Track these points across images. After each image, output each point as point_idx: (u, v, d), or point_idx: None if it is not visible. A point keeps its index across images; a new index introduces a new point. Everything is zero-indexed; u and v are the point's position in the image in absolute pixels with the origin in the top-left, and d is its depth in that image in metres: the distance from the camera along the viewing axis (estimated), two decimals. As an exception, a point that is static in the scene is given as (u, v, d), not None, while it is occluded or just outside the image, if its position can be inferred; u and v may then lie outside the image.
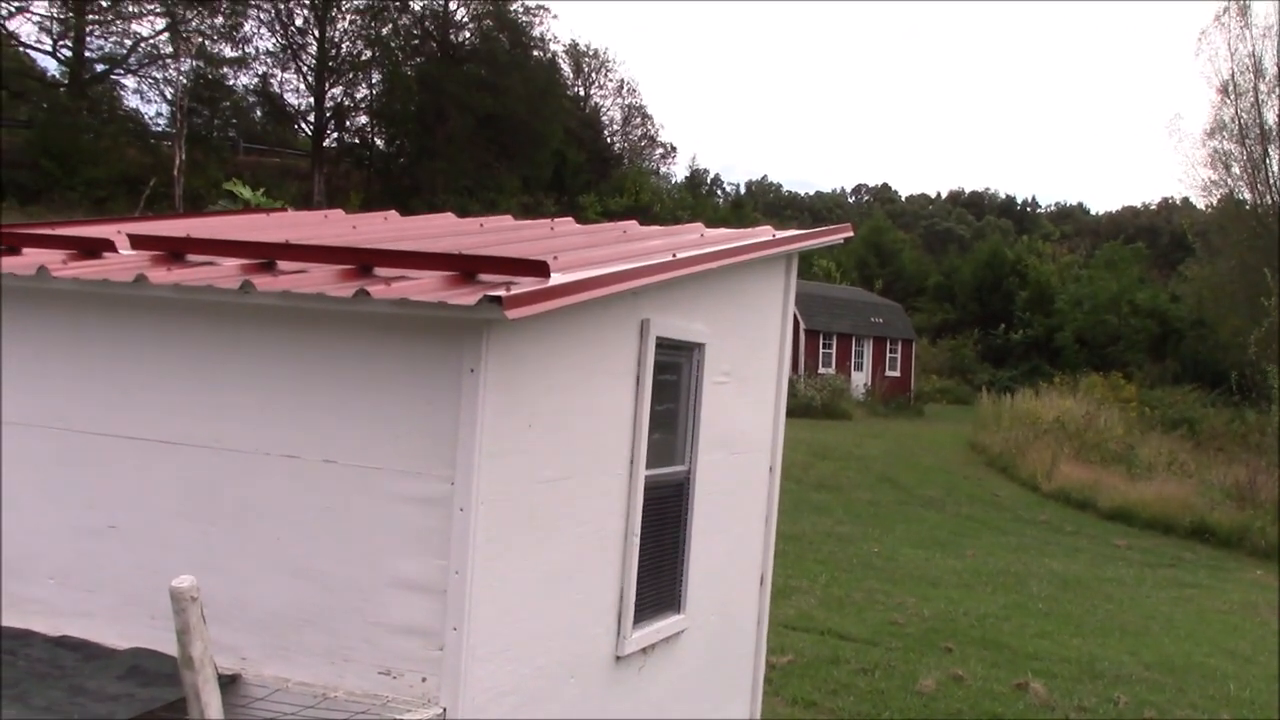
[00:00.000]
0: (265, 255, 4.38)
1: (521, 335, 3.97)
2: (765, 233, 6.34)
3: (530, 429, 4.08)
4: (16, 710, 3.48)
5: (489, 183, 52.20)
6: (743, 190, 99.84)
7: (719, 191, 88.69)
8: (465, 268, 4.02)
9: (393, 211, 7.23)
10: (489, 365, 3.80)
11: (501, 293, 3.53)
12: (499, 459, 3.89)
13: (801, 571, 15.69)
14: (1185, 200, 64.44)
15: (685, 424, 5.42)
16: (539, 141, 55.39)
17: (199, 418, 4.15)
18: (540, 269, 3.94)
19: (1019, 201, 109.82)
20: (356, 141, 56.60)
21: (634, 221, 6.67)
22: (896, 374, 49.58)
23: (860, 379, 46.91)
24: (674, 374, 5.28)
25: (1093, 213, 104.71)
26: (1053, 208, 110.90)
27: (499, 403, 3.86)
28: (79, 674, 3.85)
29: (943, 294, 67.49)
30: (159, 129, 48.84)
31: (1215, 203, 50.63)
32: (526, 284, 3.80)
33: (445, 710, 3.77)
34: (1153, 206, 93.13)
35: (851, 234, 7.13)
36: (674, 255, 4.88)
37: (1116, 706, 10.90)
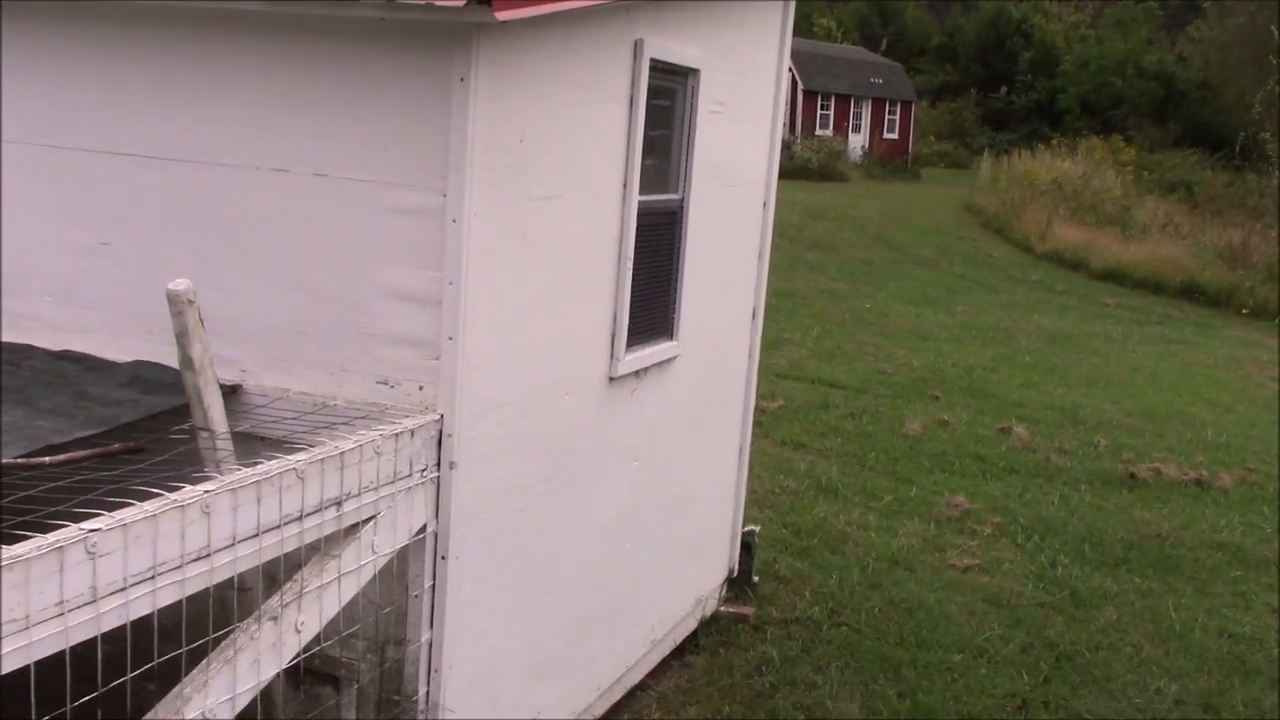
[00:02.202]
0: (246, -36, 4.23)
1: (512, 46, 3.88)
2: (763, -43, 6.12)
3: (522, 143, 4.03)
4: (23, 412, 3.57)
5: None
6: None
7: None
8: (453, -27, 3.89)
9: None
10: (479, 75, 3.72)
11: (490, -7, 3.43)
12: (491, 172, 3.86)
13: (794, 325, 15.91)
14: (1200, -44, 62.04)
15: (679, 152, 5.37)
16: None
17: (187, 132, 4.10)
18: (530, -26, 3.81)
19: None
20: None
21: (628, -52, 6.43)
22: (895, 136, 48.95)
23: (858, 141, 46.35)
24: (668, 99, 5.19)
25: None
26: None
27: (489, 114, 3.81)
28: (82, 382, 3.92)
29: (945, 55, 65.86)
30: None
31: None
32: (516, -12, 3.68)
33: (442, 417, 3.86)
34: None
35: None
36: (668, -30, 4.73)
37: (1096, 449, 11.25)
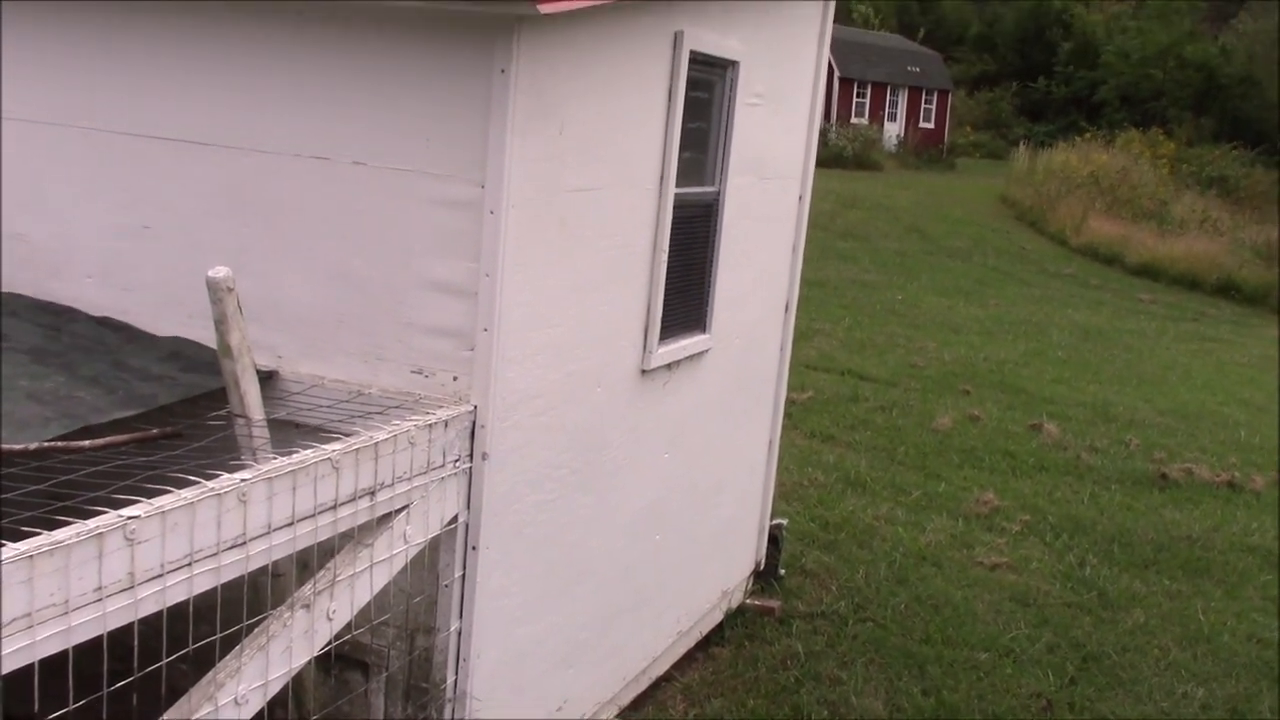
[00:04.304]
0: (289, -49, 4.24)
1: (553, 38, 3.88)
2: (805, -51, 6.09)
3: (561, 135, 4.04)
4: (65, 378, 3.61)
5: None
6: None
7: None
8: (495, -35, 3.89)
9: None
10: (520, 67, 3.72)
11: (533, -14, 3.43)
12: (529, 164, 3.87)
13: (825, 315, 15.87)
14: (1246, -52, 61.22)
15: (716, 144, 5.35)
16: None
17: (229, 118, 4.12)
18: (573, -33, 3.80)
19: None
20: None
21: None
22: (931, 126, 48.61)
23: (893, 130, 46.06)
24: (706, 92, 5.18)
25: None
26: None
27: (529, 106, 3.81)
28: (122, 352, 3.96)
29: (983, 44, 65.30)
30: None
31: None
32: (558, -19, 3.68)
33: (476, 408, 3.88)
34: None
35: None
36: (710, -37, 4.71)
37: (1128, 448, 11.18)
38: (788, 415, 8.75)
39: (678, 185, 4.90)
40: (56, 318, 4.16)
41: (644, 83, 4.59)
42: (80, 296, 4.40)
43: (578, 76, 4.10)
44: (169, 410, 3.67)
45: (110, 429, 3.42)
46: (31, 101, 4.43)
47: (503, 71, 3.70)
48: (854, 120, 43.92)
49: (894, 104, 47.41)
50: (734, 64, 5.28)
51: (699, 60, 4.91)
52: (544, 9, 3.45)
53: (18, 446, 3.10)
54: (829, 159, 34.40)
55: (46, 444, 3.17)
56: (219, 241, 4.17)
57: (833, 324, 15.51)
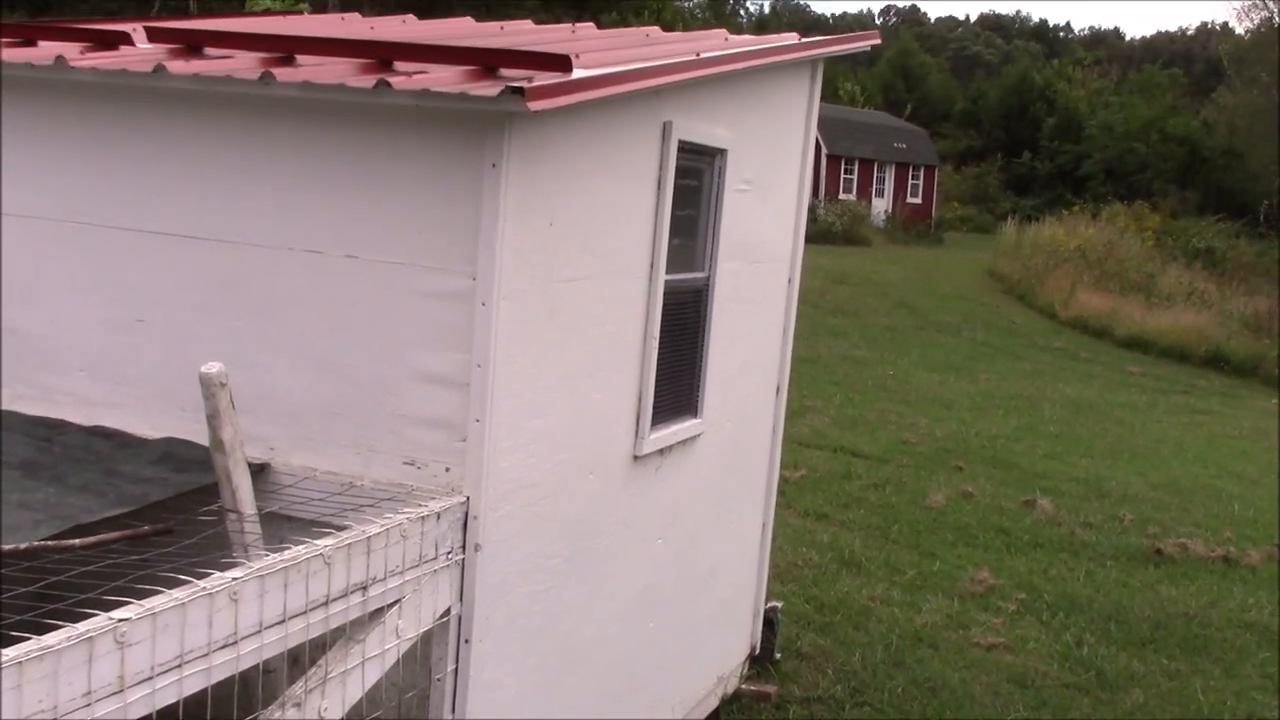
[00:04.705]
0: (284, 49, 4.32)
1: (543, 132, 3.94)
2: (790, 38, 6.20)
3: (551, 227, 4.08)
4: (55, 489, 3.60)
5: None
6: (767, 10, 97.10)
7: (743, 12, 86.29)
8: (486, 62, 3.96)
9: (410, 15, 7.08)
10: (510, 161, 3.77)
11: (524, 84, 3.49)
12: (520, 256, 3.91)
13: (816, 392, 15.90)
14: (1225, 25, 62.38)
15: (705, 231, 5.41)
16: (558, -44, 53.67)
17: (221, 213, 4.16)
18: (563, 63, 3.88)
19: (1051, 26, 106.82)
20: (371, -46, 55.04)
21: (656, 28, 6.54)
22: (918, 201, 49.11)
23: (881, 205, 46.51)
24: (695, 179, 5.24)
25: (1127, 38, 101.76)
26: (1086, 32, 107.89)
27: (520, 198, 3.86)
28: (113, 459, 3.96)
29: (968, 120, 66.33)
30: (168, -62, 47.50)
31: (1255, 26, 49.14)
32: (549, 78, 3.75)
33: (468, 499, 3.87)
34: (1190, 31, 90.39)
35: (879, 41, 6.98)
36: (698, 55, 4.79)
37: (1121, 523, 11.15)
38: (781, 494, 8.73)
39: (668, 272, 4.94)
40: (48, 430, 4.16)
41: (633, 172, 4.65)
42: (73, 390, 4.41)
43: (568, 168, 4.16)
44: (162, 506, 3.66)
45: (101, 527, 3.41)
46: (25, 196, 4.47)
47: (494, 166, 3.75)
48: (842, 196, 44.37)
49: (881, 180, 47.94)
50: (722, 152, 5.36)
51: (688, 149, 4.97)
52: (534, 106, 3.50)
53: (7, 546, 3.09)
54: (818, 235, 34.67)
55: (37, 544, 3.15)
56: (212, 334, 4.19)
57: (824, 400, 15.54)
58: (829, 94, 48.70)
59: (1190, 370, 22.68)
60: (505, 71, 3.94)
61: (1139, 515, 11.50)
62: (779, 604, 7.22)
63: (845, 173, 46.00)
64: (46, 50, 4.45)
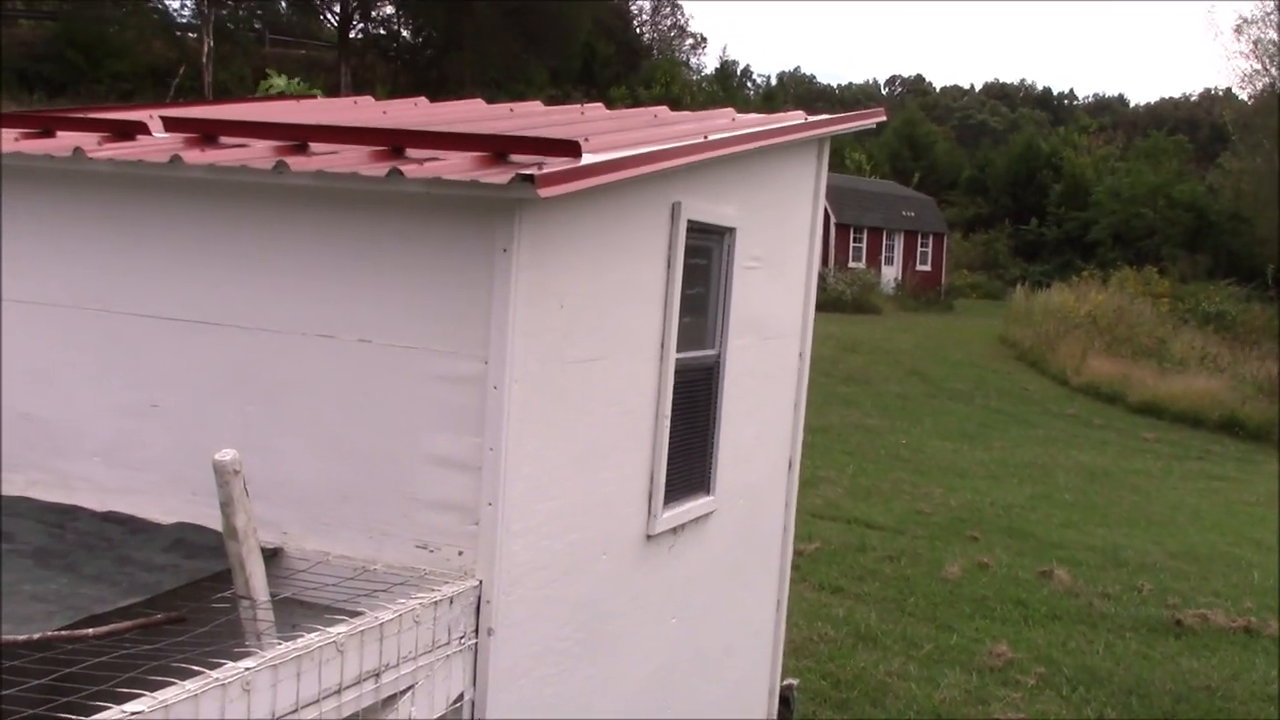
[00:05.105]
0: (298, 137, 4.39)
1: (553, 216, 3.98)
2: (796, 117, 6.28)
3: (562, 309, 4.11)
4: (68, 578, 3.60)
5: (517, 75, 51.59)
6: (774, 82, 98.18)
7: (750, 83, 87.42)
8: (497, 148, 4.03)
9: (422, 98, 7.19)
10: (521, 245, 3.82)
11: (534, 171, 3.54)
12: (531, 338, 3.93)
13: (829, 462, 15.84)
14: (1228, 91, 62.94)
15: (716, 308, 5.44)
16: (567, 32, 54.54)
17: (235, 299, 4.20)
18: (572, 149, 3.93)
19: (1055, 94, 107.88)
20: (383, 33, 55.93)
21: (664, 108, 6.62)
22: (927, 268, 49.24)
23: (891, 273, 46.64)
24: (704, 258, 5.28)
25: (1132, 105, 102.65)
26: (1090, 99, 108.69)
27: (531, 282, 3.89)
28: (126, 546, 3.96)
29: (976, 188, 66.70)
30: (184, 20, 48.47)
31: (1257, 92, 49.54)
32: (558, 164, 3.80)
33: (481, 583, 3.87)
34: (1194, 98, 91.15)
35: (884, 118, 7.06)
36: (705, 138, 4.86)
37: (1140, 593, 11.05)
38: (795, 567, 8.67)
39: (679, 350, 4.96)
40: (61, 516, 4.17)
41: (643, 253, 4.69)
42: (87, 475, 4.43)
43: (578, 250, 4.20)
44: (174, 594, 3.66)
45: (114, 616, 3.41)
46: (40, 284, 4.52)
47: (505, 251, 3.79)
48: (852, 264, 44.53)
49: (890, 248, 48.12)
50: (731, 230, 5.40)
51: (696, 228, 5.02)
52: (544, 193, 3.55)
53: (20, 637, 3.09)
54: (828, 303, 34.79)
55: (50, 634, 3.15)
56: (225, 419, 4.21)
57: (837, 471, 15.48)
58: (836, 164, 49.12)
59: (1205, 435, 22.57)
60: (516, 157, 4.00)
61: (1158, 585, 11.39)
62: (795, 681, 7.15)
63: (854, 241, 46.21)
64: (65, 141, 4.53)
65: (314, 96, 9.16)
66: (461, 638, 3.79)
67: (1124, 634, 9.80)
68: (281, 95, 15.19)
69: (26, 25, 43.98)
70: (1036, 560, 11.90)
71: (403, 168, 3.74)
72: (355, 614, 3.48)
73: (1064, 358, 28.36)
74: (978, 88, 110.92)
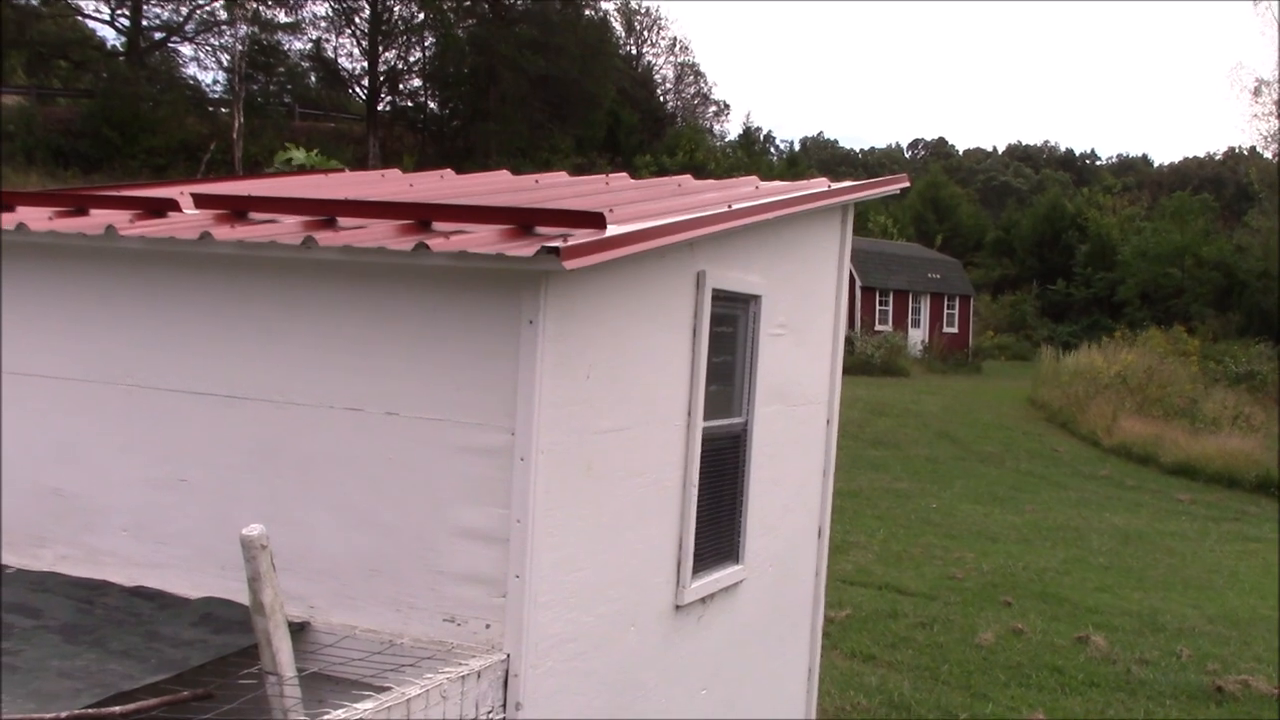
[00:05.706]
0: (326, 212, 4.45)
1: (579, 287, 4.00)
2: (820, 184, 6.31)
3: (588, 380, 4.12)
4: (96, 654, 3.60)
5: (543, 144, 52.16)
6: (797, 147, 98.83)
7: (773, 149, 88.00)
8: (522, 221, 4.06)
9: (448, 170, 7.28)
10: (547, 317, 3.83)
11: (559, 244, 3.57)
12: (558, 409, 3.93)
13: (859, 527, 15.70)
14: (1252, 150, 62.86)
15: (742, 376, 5.44)
16: (592, 102, 55.23)
17: (264, 373, 4.24)
18: (597, 220, 3.96)
19: (1079, 154, 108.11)
20: (410, 105, 56.77)
21: (689, 176, 6.68)
22: (954, 330, 49.12)
23: (918, 336, 46.54)
24: (730, 326, 5.29)
25: (1156, 164, 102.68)
26: (1114, 159, 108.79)
27: (557, 354, 3.90)
28: (154, 621, 3.96)
29: (1001, 249, 66.66)
30: (216, 96, 49.38)
31: (1281, 151, 49.48)
32: (583, 235, 3.83)
33: (509, 656, 3.84)
34: (1218, 156, 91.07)
35: (908, 184, 7.08)
36: (729, 206, 4.88)
37: (1179, 659, 10.84)
38: (826, 635, 8.58)
39: (706, 418, 4.95)
40: (90, 591, 4.18)
41: (669, 322, 4.70)
42: (115, 550, 4.44)
43: (604, 321, 4.21)
44: (202, 670, 3.65)
45: (142, 693, 3.40)
46: (69, 360, 4.57)
47: (530, 322, 3.81)
48: (879, 327, 44.48)
49: (917, 310, 48.06)
50: (756, 298, 5.42)
51: (722, 296, 5.03)
52: (569, 265, 3.57)
53: (48, 716, 3.08)
54: (855, 366, 34.72)
55: (77, 712, 3.14)
56: (253, 492, 4.22)
57: (868, 536, 15.34)
58: (860, 226, 49.32)
59: (1240, 496, 22.25)
60: (541, 229, 4.03)
61: (1197, 650, 11.18)
62: (828, 752, 7.03)
63: (880, 304, 46.20)
64: (98, 219, 4.60)
65: (340, 170, 9.29)
66: (489, 712, 3.75)
67: (1164, 701, 9.61)
68: (300, 168, 15.42)
69: (64, 103, 44.90)
70: (1072, 626, 11.71)
71: (429, 241, 3.77)
72: (382, 689, 3.46)
73: (1095, 418, 28.11)
74: (1001, 149, 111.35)
